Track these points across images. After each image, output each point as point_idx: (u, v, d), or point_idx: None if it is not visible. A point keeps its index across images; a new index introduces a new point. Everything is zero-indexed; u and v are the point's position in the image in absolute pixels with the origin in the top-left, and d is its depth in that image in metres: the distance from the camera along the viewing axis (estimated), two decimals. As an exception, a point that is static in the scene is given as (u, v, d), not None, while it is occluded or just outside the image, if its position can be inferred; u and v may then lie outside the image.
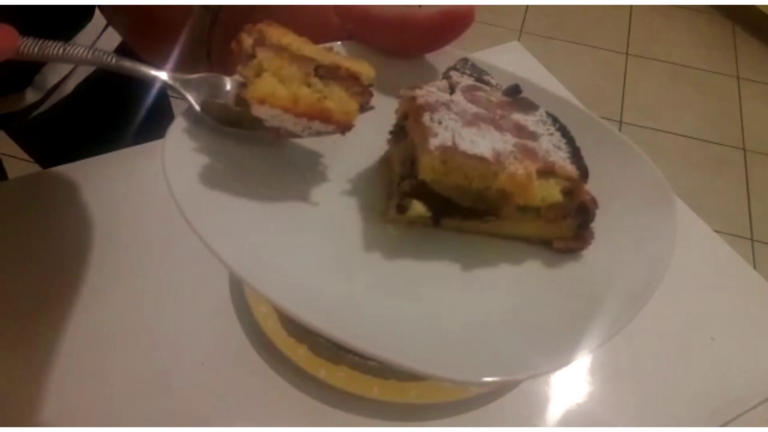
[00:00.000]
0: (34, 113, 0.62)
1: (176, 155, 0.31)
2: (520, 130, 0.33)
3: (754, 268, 0.58)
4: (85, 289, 0.51)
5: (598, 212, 0.33)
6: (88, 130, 0.68)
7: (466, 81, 0.36)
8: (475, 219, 0.33)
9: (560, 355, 0.28)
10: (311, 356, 0.47)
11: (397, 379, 0.47)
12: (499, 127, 0.32)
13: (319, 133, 0.32)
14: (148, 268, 0.53)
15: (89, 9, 0.61)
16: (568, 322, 0.30)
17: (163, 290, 0.51)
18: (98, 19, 0.62)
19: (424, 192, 0.32)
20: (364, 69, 0.33)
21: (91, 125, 0.68)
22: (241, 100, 0.30)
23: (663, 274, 0.31)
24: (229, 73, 0.39)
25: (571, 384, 0.49)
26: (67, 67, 0.62)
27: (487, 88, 0.36)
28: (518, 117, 0.34)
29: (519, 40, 2.11)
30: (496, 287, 0.32)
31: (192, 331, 0.49)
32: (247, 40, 0.31)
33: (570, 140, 0.33)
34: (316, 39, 0.37)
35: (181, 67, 0.44)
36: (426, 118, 0.31)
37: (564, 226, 0.33)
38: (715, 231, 0.60)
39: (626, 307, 0.30)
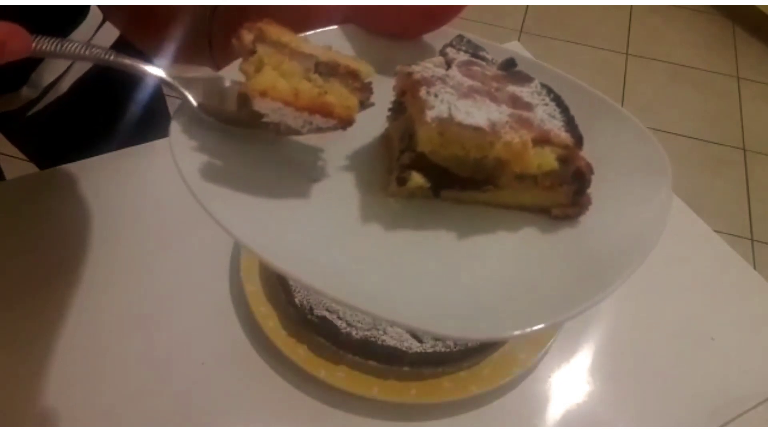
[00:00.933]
0: (30, 112, 0.62)
1: (183, 140, 0.31)
2: (515, 101, 0.33)
3: (754, 268, 0.58)
4: (85, 290, 0.51)
5: (594, 179, 0.33)
6: (84, 128, 0.68)
7: (462, 57, 0.36)
8: (474, 189, 0.34)
9: (557, 314, 0.29)
10: (311, 356, 0.47)
11: (397, 379, 0.47)
12: (494, 99, 0.33)
13: (319, 129, 0.31)
14: (147, 268, 0.53)
15: (85, 5, 0.61)
16: (567, 285, 0.30)
17: (162, 291, 0.51)
18: (93, 17, 0.62)
19: (422, 164, 0.33)
20: (363, 67, 0.33)
21: (87, 124, 0.68)
22: (242, 98, 0.30)
23: (659, 237, 0.32)
24: (230, 62, 0.39)
25: (571, 384, 0.49)
26: (62, 65, 0.62)
27: (483, 63, 0.36)
28: (513, 89, 0.34)
29: (519, 40, 2.11)
30: (496, 255, 0.32)
31: (192, 331, 0.49)
32: (248, 36, 0.32)
33: (564, 109, 0.34)
34: (317, 21, 0.38)
35: (182, 56, 0.44)
36: (422, 92, 0.32)
37: (561, 192, 0.34)
38: (715, 231, 0.60)
39: (622, 269, 0.30)
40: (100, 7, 0.59)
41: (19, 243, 0.53)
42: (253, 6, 0.39)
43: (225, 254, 0.53)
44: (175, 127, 0.32)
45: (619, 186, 0.34)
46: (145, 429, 0.44)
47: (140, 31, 0.50)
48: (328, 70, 0.32)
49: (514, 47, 0.77)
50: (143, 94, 0.75)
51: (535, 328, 0.28)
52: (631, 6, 2.39)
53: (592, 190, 0.33)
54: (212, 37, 0.41)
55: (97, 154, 0.60)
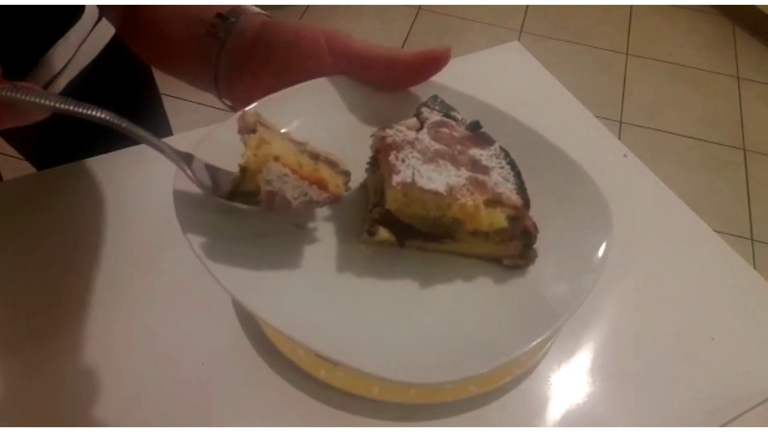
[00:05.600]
0: None
1: (185, 204, 0.36)
2: (474, 165, 0.38)
3: (754, 268, 0.58)
4: (84, 291, 0.51)
5: (544, 231, 0.38)
6: (81, 128, 0.68)
7: (435, 117, 0.41)
8: (435, 241, 0.38)
9: (496, 358, 0.33)
10: (311, 356, 0.47)
11: (396, 379, 0.47)
12: (456, 162, 0.38)
13: (310, 202, 0.35)
14: (147, 268, 0.53)
15: (80, 5, 0.61)
16: (508, 330, 0.35)
17: (163, 291, 0.51)
18: (89, 16, 0.63)
19: (390, 219, 0.37)
20: (340, 159, 0.38)
21: (84, 123, 0.68)
22: (244, 172, 0.34)
23: (588, 293, 0.36)
24: (234, 97, 0.46)
25: (571, 384, 0.49)
26: (58, 65, 0.62)
27: (453, 123, 0.41)
28: (474, 152, 0.39)
29: (519, 40, 2.11)
30: (452, 302, 0.37)
31: (192, 331, 0.49)
32: (250, 118, 0.36)
33: (517, 173, 0.39)
34: (312, 72, 0.42)
35: (184, 77, 0.49)
36: (392, 156, 0.37)
37: (511, 246, 0.38)
38: (715, 231, 0.60)
39: (559, 315, 0.35)
40: (100, 6, 0.60)
41: (17, 244, 0.53)
42: (256, 51, 0.44)
43: (225, 254, 0.53)
44: (178, 199, 0.36)
45: (564, 240, 0.39)
46: (145, 429, 0.44)
47: (133, 32, 0.52)
48: (312, 157, 0.37)
49: (514, 47, 0.77)
50: (139, 93, 0.75)
51: (482, 371, 0.33)
52: (631, 6, 2.39)
53: (541, 244, 0.38)
54: (218, 71, 0.46)
55: (94, 154, 0.60)
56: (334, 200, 0.36)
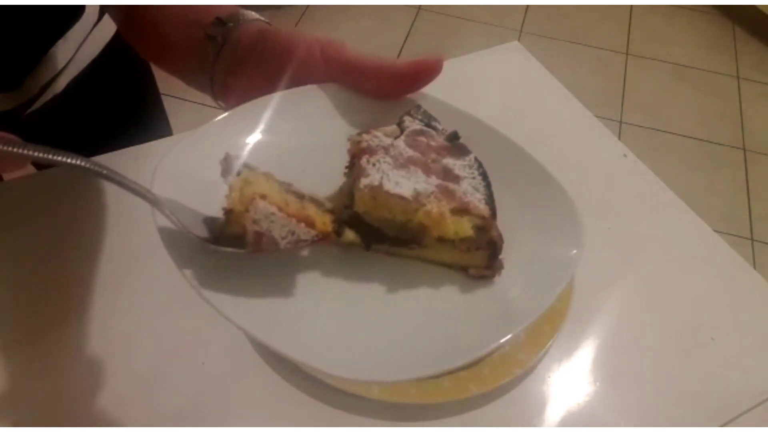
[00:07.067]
0: (27, 112, 0.62)
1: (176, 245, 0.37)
2: (446, 174, 0.39)
3: (754, 268, 0.58)
4: (84, 290, 0.51)
5: (514, 243, 0.39)
6: (81, 127, 0.68)
7: (415, 126, 0.41)
8: (402, 246, 0.39)
9: (451, 360, 0.34)
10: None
11: (396, 379, 0.47)
12: (427, 170, 0.39)
13: (298, 242, 0.34)
14: (147, 268, 0.53)
15: (80, 5, 0.61)
16: (466, 335, 0.36)
17: (162, 290, 0.51)
18: (89, 16, 0.63)
19: (358, 221, 0.38)
20: (323, 199, 0.38)
21: (84, 123, 0.68)
22: (229, 215, 0.34)
23: (547, 305, 0.36)
24: (228, 100, 0.47)
25: (571, 384, 0.49)
26: (59, 64, 0.62)
27: (433, 132, 0.42)
28: (448, 161, 0.40)
29: (519, 40, 2.11)
30: (414, 307, 0.38)
31: (192, 331, 0.49)
32: (235, 161, 0.36)
33: (488, 184, 0.39)
34: (306, 80, 0.43)
35: (182, 76, 0.50)
36: (364, 160, 0.38)
37: (477, 256, 0.38)
38: (715, 231, 0.60)
39: (514, 325, 0.36)
40: (104, 6, 0.60)
41: (17, 244, 0.53)
42: (252, 57, 0.45)
43: (225, 254, 0.53)
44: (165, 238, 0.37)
45: (533, 253, 0.39)
46: (145, 429, 0.44)
47: (133, 31, 0.52)
48: (298, 196, 0.37)
49: (514, 47, 0.77)
50: (139, 93, 0.75)
51: (438, 371, 0.34)
52: (631, 6, 2.40)
53: (509, 256, 0.38)
54: (214, 75, 0.46)
55: (94, 154, 0.60)
56: (321, 238, 0.35)
